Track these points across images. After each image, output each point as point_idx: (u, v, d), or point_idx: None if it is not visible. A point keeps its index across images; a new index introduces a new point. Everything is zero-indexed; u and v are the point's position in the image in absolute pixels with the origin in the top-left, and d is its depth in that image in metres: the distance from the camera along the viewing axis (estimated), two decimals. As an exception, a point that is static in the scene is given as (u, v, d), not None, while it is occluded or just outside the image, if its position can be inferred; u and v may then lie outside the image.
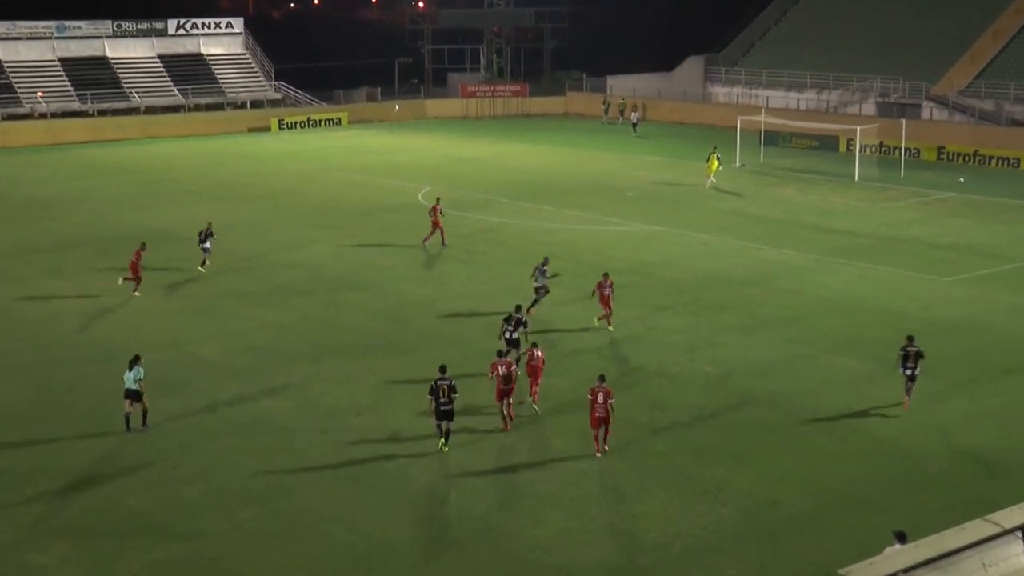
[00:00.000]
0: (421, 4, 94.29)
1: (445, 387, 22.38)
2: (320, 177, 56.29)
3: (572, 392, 24.98)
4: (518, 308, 27.17)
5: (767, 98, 76.18)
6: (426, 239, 39.15)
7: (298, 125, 77.08)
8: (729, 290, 34.12)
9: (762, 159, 59.61)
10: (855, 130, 57.36)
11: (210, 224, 37.18)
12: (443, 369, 22.73)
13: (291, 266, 37.37)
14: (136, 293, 33.54)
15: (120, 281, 33.94)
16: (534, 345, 24.68)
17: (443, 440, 22.38)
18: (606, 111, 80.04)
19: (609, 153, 65.05)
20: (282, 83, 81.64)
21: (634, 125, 74.22)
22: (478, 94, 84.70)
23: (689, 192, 51.58)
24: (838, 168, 58.08)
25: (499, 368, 23.21)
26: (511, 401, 23.48)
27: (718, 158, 53.90)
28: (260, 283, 35.48)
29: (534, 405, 24.16)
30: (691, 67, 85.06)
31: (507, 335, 26.30)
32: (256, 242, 41.23)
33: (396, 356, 28.03)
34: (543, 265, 30.89)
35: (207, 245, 36.29)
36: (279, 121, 76.50)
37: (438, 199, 41.39)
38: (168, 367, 26.75)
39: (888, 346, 28.36)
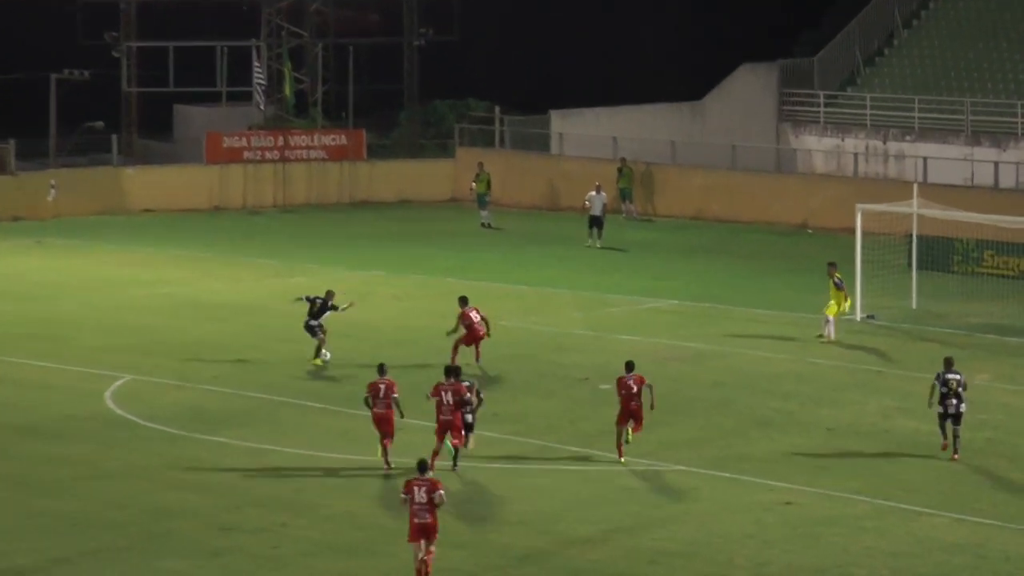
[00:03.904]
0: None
1: None
2: None
3: None
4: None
5: (923, 162, 78.01)
6: (478, 357, 53.35)
7: None
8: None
9: (915, 302, 61.09)
10: None
11: (329, 294, 53.89)
12: None
13: None
14: None
15: None
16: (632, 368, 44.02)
17: None
18: (481, 198, 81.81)
19: (553, 289, 66.21)
20: None
21: (594, 220, 76.16)
22: (248, 155, 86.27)
23: (746, 378, 52.23)
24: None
25: None
26: None
27: (837, 284, 56.14)
28: None
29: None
30: (747, 91, 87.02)
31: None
32: None
33: None
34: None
35: (318, 321, 53.01)
36: None
37: (465, 299, 53.67)
38: None
39: None
